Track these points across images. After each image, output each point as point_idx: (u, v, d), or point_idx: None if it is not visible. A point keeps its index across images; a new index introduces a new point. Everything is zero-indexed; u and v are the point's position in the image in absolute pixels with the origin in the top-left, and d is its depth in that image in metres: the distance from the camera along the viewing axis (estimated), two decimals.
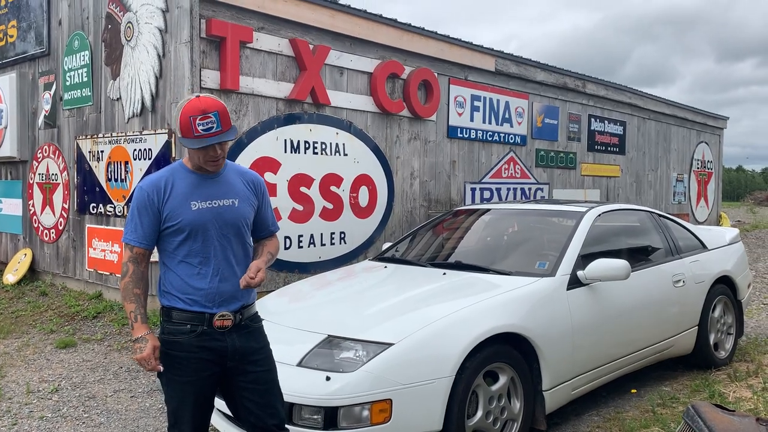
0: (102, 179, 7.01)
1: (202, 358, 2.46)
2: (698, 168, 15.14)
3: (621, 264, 3.95)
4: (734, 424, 2.71)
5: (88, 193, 7.23)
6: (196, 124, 2.37)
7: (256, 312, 2.66)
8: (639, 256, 4.80)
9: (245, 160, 6.28)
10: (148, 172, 6.32)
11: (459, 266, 4.34)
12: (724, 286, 5.33)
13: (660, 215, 5.36)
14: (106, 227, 6.98)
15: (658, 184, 13.49)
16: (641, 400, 4.42)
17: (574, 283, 3.96)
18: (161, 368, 2.45)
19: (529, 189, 9.98)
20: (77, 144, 7.39)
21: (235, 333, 2.51)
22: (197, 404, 2.49)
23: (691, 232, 5.44)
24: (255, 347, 2.57)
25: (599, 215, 4.62)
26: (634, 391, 4.62)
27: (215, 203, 2.51)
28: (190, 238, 2.47)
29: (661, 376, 4.97)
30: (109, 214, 6.90)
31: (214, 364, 2.48)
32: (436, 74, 8.21)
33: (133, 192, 2.50)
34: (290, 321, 3.62)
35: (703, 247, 5.36)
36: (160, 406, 4.28)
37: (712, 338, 5.13)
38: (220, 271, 2.50)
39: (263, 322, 2.72)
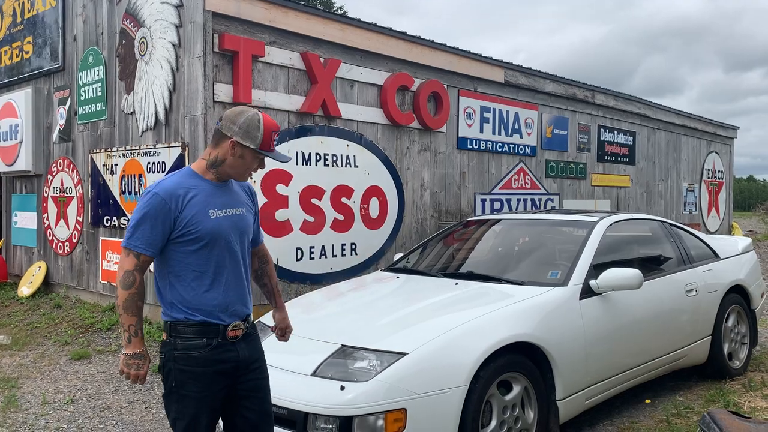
0: (116, 192, 7.08)
1: (218, 371, 2.44)
2: (709, 178, 15.07)
3: (633, 273, 3.95)
4: (750, 431, 2.71)
5: (102, 206, 7.31)
6: (273, 140, 2.54)
7: (254, 320, 2.68)
8: (651, 266, 4.80)
9: (257, 172, 6.32)
10: None
11: (471, 276, 4.35)
12: (738, 296, 5.31)
13: (671, 224, 5.36)
14: (119, 240, 7.04)
15: (669, 194, 13.44)
16: (656, 410, 4.40)
17: (587, 292, 3.97)
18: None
19: (540, 199, 9.98)
20: (91, 158, 7.49)
21: (243, 342, 2.53)
22: (210, 420, 2.46)
23: (703, 241, 5.43)
24: (256, 356, 2.59)
25: (611, 225, 4.63)
26: (648, 401, 4.60)
27: (230, 212, 2.51)
28: (207, 248, 2.42)
29: (676, 386, 4.95)
30: (123, 226, 6.97)
31: (227, 376, 2.47)
32: (445, 86, 8.26)
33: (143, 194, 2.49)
34: (303, 331, 3.62)
35: (716, 256, 5.34)
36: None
37: (725, 348, 5.11)
38: (230, 281, 2.49)
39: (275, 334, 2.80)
